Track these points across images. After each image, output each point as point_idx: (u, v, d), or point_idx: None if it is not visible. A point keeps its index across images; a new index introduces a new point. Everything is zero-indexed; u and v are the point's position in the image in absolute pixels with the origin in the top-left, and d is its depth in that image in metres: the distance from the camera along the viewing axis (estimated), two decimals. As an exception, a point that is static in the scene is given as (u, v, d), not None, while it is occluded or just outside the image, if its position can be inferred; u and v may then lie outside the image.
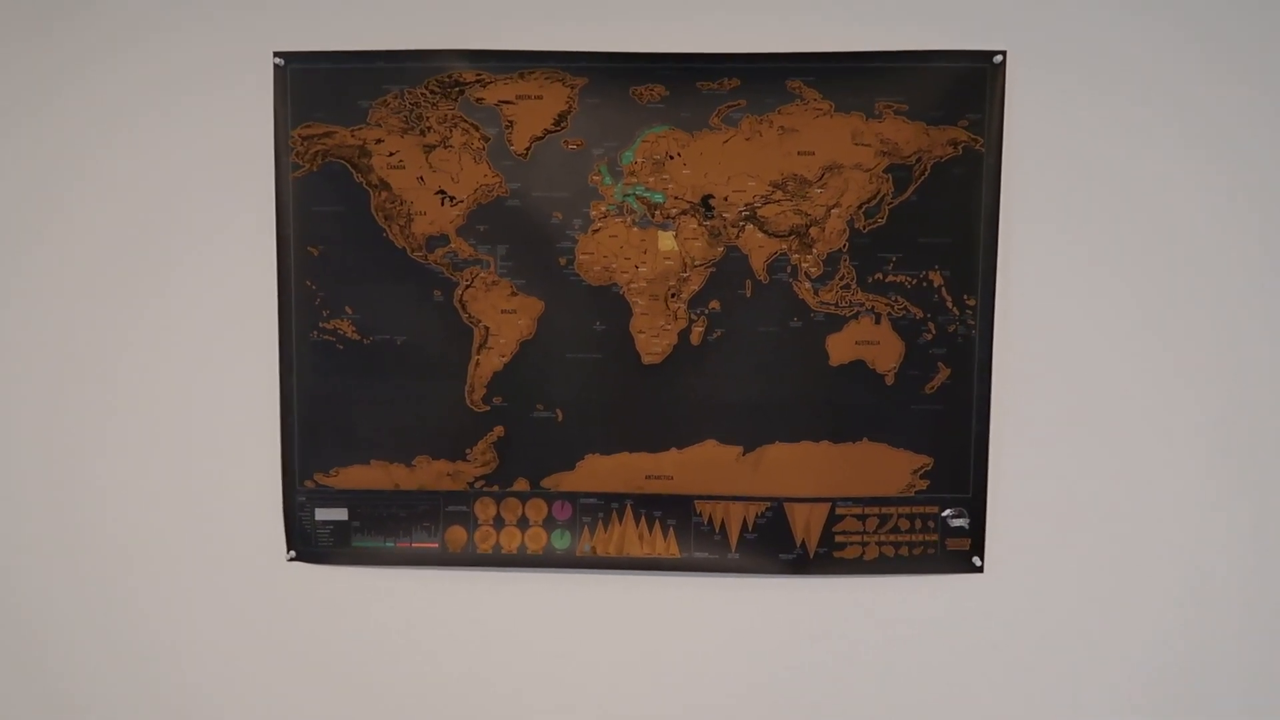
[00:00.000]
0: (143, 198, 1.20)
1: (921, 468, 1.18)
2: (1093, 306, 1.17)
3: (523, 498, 1.20)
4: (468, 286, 1.17)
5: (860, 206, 1.15)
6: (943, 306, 1.16)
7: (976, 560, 1.20)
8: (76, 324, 1.21)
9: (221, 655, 1.25)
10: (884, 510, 1.19)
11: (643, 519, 1.20)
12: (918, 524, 1.19)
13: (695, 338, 1.17)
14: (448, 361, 1.18)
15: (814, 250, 1.16)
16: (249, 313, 1.20)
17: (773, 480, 1.18)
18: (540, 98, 1.15)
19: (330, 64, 1.15)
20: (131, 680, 1.26)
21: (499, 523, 1.21)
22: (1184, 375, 1.18)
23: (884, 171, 1.15)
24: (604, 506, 1.20)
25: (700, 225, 1.16)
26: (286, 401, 1.19)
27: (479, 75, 1.15)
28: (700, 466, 1.18)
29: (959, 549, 1.20)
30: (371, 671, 1.24)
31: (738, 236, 1.16)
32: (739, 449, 1.18)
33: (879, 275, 1.16)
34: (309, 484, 1.20)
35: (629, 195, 1.16)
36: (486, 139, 1.15)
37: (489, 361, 1.18)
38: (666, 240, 1.16)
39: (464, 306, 1.17)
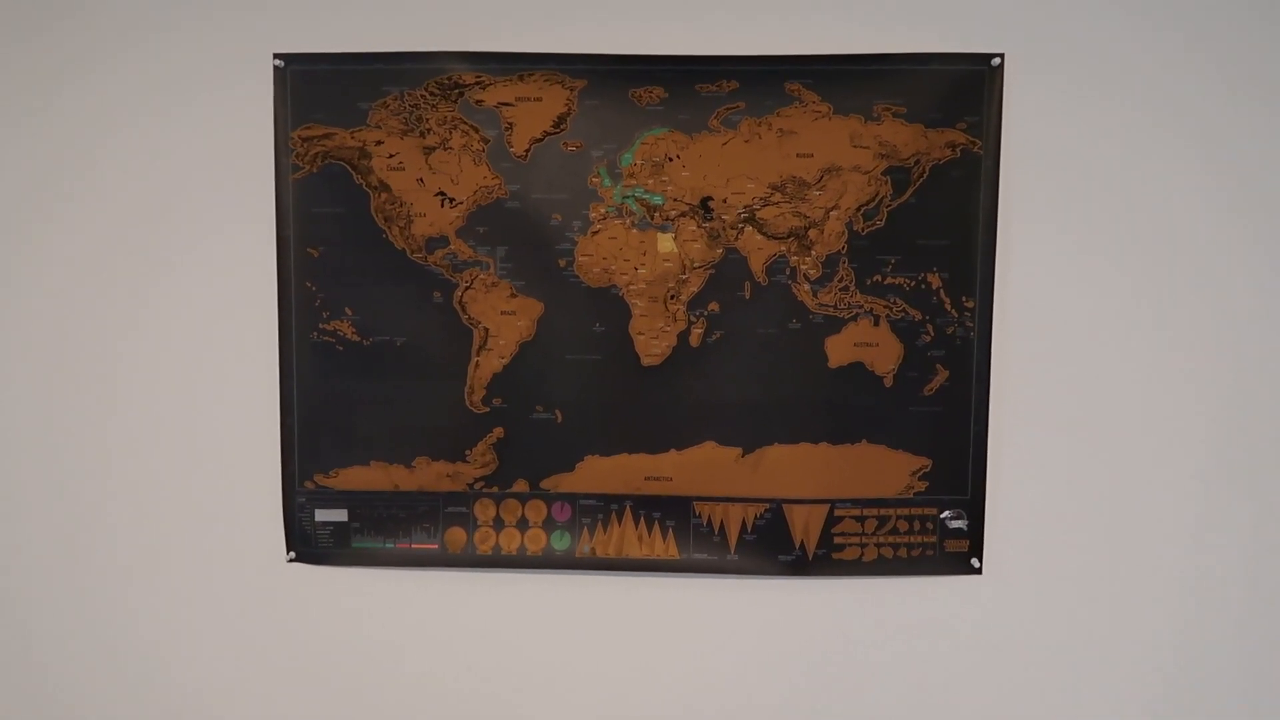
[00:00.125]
0: (143, 199, 1.20)
1: (920, 469, 1.18)
2: (1091, 308, 1.18)
3: (522, 499, 1.20)
4: (467, 288, 1.17)
5: (859, 209, 1.15)
6: (941, 308, 1.16)
7: (975, 562, 1.20)
8: (77, 325, 1.21)
9: (221, 656, 1.25)
10: (883, 512, 1.19)
11: (642, 520, 1.20)
12: (916, 525, 1.20)
13: (694, 339, 1.17)
14: (447, 363, 1.18)
15: (813, 252, 1.16)
16: (249, 314, 1.20)
17: (772, 482, 1.19)
18: (540, 100, 1.15)
19: (330, 66, 1.15)
20: (131, 680, 1.26)
21: (498, 524, 1.21)
22: (1182, 376, 1.18)
23: (882, 174, 1.15)
24: (603, 508, 1.20)
25: (699, 227, 1.16)
26: (286, 403, 1.19)
27: (478, 77, 1.15)
28: (699, 468, 1.19)
29: (957, 550, 1.20)
30: (371, 672, 1.24)
31: (737, 238, 1.16)
32: (738, 450, 1.18)
33: (878, 277, 1.16)
34: (309, 485, 1.20)
35: (628, 197, 1.16)
36: (486, 141, 1.15)
37: (488, 363, 1.18)
38: (666, 242, 1.16)
39: (464, 308, 1.17)
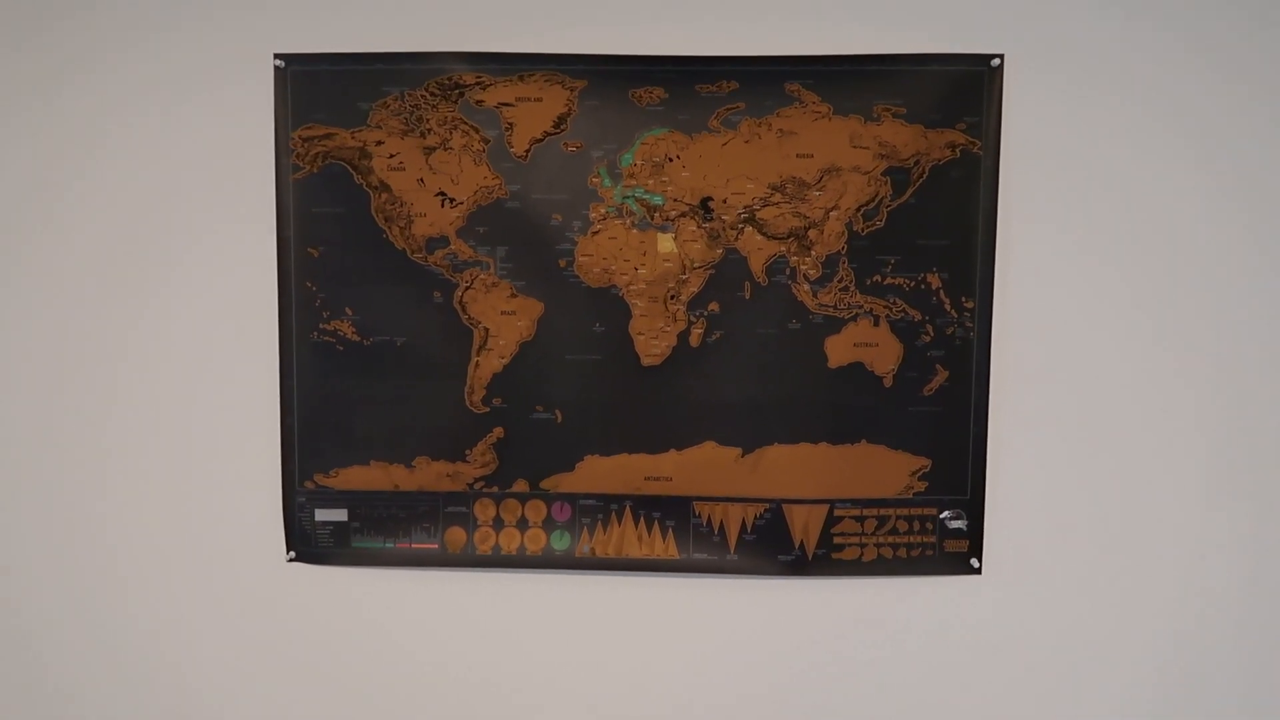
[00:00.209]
0: (143, 199, 1.20)
1: (920, 469, 1.19)
2: (1090, 308, 1.18)
3: (522, 499, 1.20)
4: (467, 288, 1.17)
5: (859, 209, 1.15)
6: (941, 309, 1.17)
7: (974, 562, 1.20)
8: (76, 325, 1.21)
9: (221, 656, 1.25)
10: (882, 512, 1.20)
11: (642, 520, 1.20)
12: (916, 525, 1.20)
13: (694, 339, 1.17)
14: (447, 363, 1.18)
15: (813, 252, 1.16)
16: (249, 314, 1.20)
17: (771, 482, 1.19)
18: (540, 100, 1.15)
19: (330, 66, 1.15)
20: (131, 680, 1.26)
21: (498, 524, 1.21)
22: (1182, 377, 1.18)
23: (882, 174, 1.15)
24: (603, 508, 1.20)
25: (699, 227, 1.16)
26: (286, 402, 1.19)
27: (479, 77, 1.15)
28: (699, 468, 1.19)
29: (957, 550, 1.20)
30: (371, 672, 1.24)
31: (737, 239, 1.16)
32: (738, 450, 1.18)
33: (877, 277, 1.16)
34: (309, 485, 1.21)
35: (628, 197, 1.16)
36: (486, 141, 1.16)
37: (488, 363, 1.18)
38: (666, 242, 1.16)
39: (464, 308, 1.18)
